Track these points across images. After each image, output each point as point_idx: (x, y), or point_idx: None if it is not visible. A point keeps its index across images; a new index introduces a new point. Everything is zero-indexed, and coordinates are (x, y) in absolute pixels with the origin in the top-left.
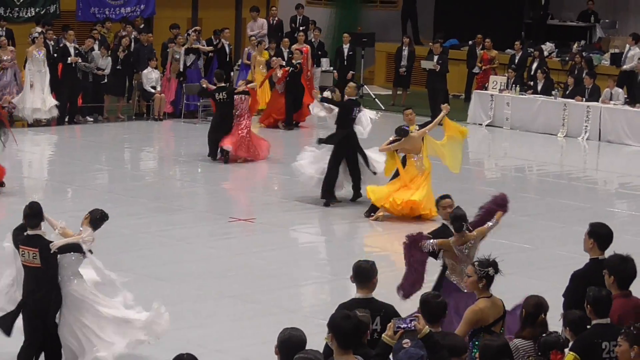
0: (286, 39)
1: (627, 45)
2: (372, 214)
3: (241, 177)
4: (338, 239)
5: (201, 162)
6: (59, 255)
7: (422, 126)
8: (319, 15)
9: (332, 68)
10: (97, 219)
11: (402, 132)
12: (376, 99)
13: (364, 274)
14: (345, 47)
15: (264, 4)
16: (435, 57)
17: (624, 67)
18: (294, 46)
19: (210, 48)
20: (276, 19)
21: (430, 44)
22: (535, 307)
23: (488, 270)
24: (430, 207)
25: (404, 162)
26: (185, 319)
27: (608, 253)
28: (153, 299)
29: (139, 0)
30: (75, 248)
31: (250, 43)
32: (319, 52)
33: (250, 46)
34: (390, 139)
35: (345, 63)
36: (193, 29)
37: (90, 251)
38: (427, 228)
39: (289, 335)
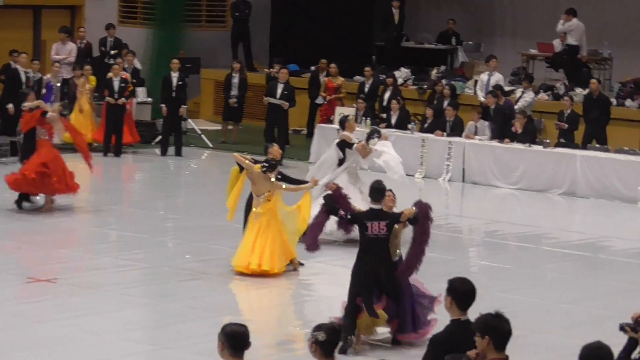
0: (116, 66)
1: (487, 72)
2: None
3: (43, 229)
4: (161, 301)
5: None
6: None
7: (285, 179)
8: (133, 37)
9: (150, 99)
10: None
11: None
12: (203, 136)
13: (242, 338)
14: (174, 76)
15: (68, 23)
16: (281, 86)
17: (480, 98)
18: (110, 74)
19: None
20: (84, 41)
21: (267, 70)
22: None
23: (317, 335)
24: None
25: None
26: None
27: (473, 313)
28: None
29: None
30: None
31: (51, 70)
32: (134, 81)
33: (52, 74)
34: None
35: (175, 94)
36: None
37: None
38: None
39: None
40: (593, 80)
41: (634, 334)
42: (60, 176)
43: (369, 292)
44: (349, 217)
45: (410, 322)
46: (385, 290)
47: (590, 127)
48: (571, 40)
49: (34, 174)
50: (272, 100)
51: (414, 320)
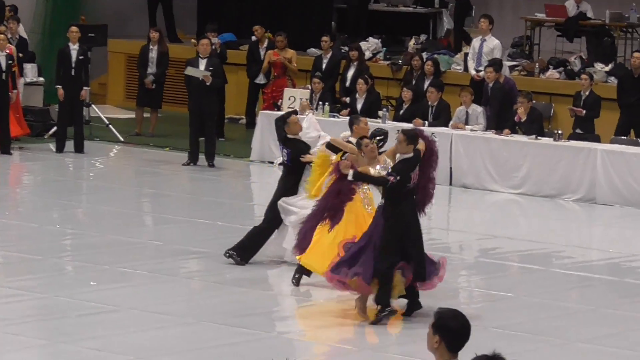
0: (1, 36)
1: (480, 37)
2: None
3: None
4: (58, 342)
5: None
6: None
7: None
8: None
9: (42, 79)
10: None
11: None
12: (110, 126)
13: None
14: (73, 49)
15: None
16: (203, 62)
17: (471, 71)
18: None
19: None
20: None
21: (194, 40)
22: None
23: None
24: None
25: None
26: None
27: (466, 354)
28: None
29: None
30: None
31: None
32: (20, 55)
33: None
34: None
35: (74, 73)
36: None
37: None
38: None
39: None
40: (637, 54)
41: None
42: None
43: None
44: (398, 177)
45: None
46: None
47: (627, 114)
48: None
49: None
50: (192, 71)
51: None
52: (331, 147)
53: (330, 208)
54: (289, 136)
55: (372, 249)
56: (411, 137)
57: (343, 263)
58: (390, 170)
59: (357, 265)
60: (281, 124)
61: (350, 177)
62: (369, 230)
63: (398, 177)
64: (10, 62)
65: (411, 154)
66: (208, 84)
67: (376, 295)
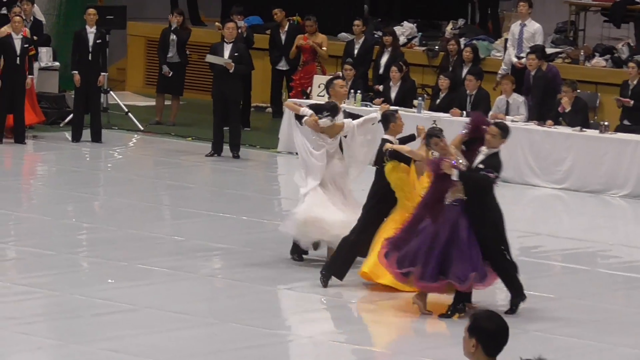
0: (17, 18)
1: (519, 22)
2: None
3: None
4: (72, 342)
5: None
6: None
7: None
8: None
9: (57, 64)
10: None
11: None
12: (130, 114)
13: None
14: (91, 32)
15: None
16: (229, 47)
17: (512, 58)
18: (4, 28)
19: None
20: None
21: (218, 24)
22: None
23: None
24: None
25: None
26: None
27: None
28: None
29: None
30: None
31: None
32: (35, 38)
33: None
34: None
35: (91, 57)
36: None
37: None
38: None
39: None
40: None
41: None
42: None
43: None
44: (497, 175)
45: None
46: None
47: None
48: None
49: None
50: (213, 58)
51: None
52: (396, 155)
53: (436, 207)
54: (329, 100)
55: (469, 249)
56: (505, 130)
57: (431, 268)
58: (483, 166)
59: (464, 273)
60: (327, 84)
61: (455, 178)
62: (447, 228)
63: (496, 174)
64: (26, 45)
65: (499, 148)
66: (231, 71)
67: (514, 291)
